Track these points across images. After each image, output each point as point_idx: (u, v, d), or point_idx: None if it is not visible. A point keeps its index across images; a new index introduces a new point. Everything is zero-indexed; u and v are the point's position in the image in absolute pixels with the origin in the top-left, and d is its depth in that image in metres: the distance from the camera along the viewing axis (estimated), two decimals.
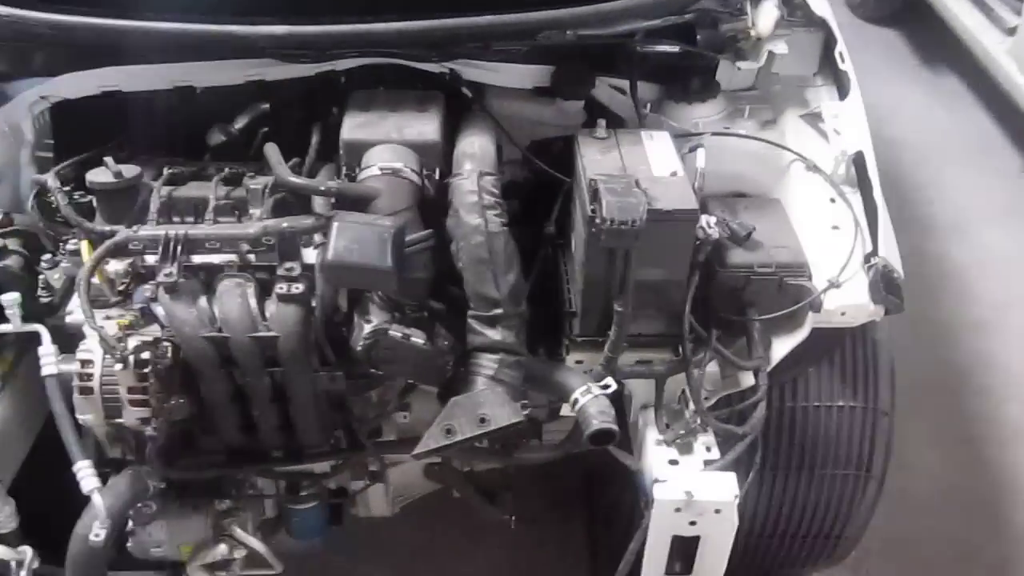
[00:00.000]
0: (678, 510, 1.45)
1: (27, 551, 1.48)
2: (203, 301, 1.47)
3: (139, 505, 1.64)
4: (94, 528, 1.42)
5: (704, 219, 1.58)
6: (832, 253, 1.62)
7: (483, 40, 1.59)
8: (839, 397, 1.73)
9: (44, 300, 1.61)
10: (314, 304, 1.48)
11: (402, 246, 1.41)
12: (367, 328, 1.46)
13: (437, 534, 2.28)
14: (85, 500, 1.48)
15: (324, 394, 1.54)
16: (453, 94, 1.75)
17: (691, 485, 1.45)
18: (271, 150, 1.57)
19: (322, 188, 1.49)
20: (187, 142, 1.80)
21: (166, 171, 1.63)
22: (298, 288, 1.45)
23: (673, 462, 1.57)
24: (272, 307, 1.46)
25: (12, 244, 1.65)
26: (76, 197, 1.61)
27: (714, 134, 1.74)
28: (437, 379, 1.52)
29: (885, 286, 1.56)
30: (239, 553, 1.71)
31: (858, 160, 1.67)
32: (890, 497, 2.50)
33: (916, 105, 4.30)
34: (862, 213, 1.66)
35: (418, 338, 1.47)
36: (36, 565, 1.49)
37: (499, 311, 1.48)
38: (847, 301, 1.56)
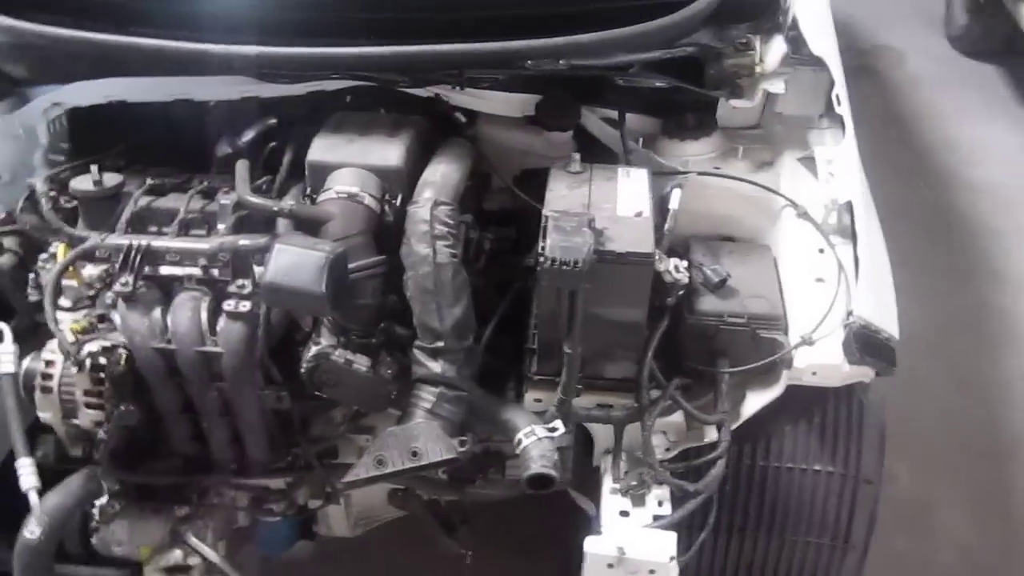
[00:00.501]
0: (610, 566, 1.39)
1: None
2: (157, 312, 1.50)
3: (103, 503, 1.70)
4: (29, 525, 1.46)
5: (673, 262, 1.52)
6: (813, 307, 1.52)
7: (456, 68, 1.57)
8: (816, 461, 1.62)
9: (33, 299, 1.67)
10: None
11: (342, 272, 1.40)
12: (312, 351, 1.47)
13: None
14: None
15: (271, 412, 1.54)
16: (446, 120, 1.74)
17: (625, 541, 1.38)
18: (240, 166, 1.59)
19: (275, 208, 1.50)
20: (196, 153, 1.85)
21: (148, 181, 1.67)
22: (246, 306, 1.46)
23: (624, 513, 1.51)
24: (221, 323, 1.48)
25: (8, 243, 1.71)
26: (63, 202, 1.67)
27: (700, 173, 1.67)
28: (379, 406, 1.51)
29: (862, 347, 1.45)
30: (194, 560, 1.73)
31: (850, 209, 1.57)
32: (909, 565, 2.36)
33: (1007, 147, 4.03)
34: (851, 266, 1.55)
35: (360, 365, 1.46)
36: None
37: (440, 344, 1.46)
38: (819, 360, 1.47)
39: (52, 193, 1.66)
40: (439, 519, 1.81)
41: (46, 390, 1.54)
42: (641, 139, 1.76)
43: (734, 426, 1.56)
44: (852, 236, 1.54)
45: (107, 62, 1.69)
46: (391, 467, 1.42)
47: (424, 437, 1.43)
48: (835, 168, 1.61)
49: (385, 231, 1.52)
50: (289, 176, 1.65)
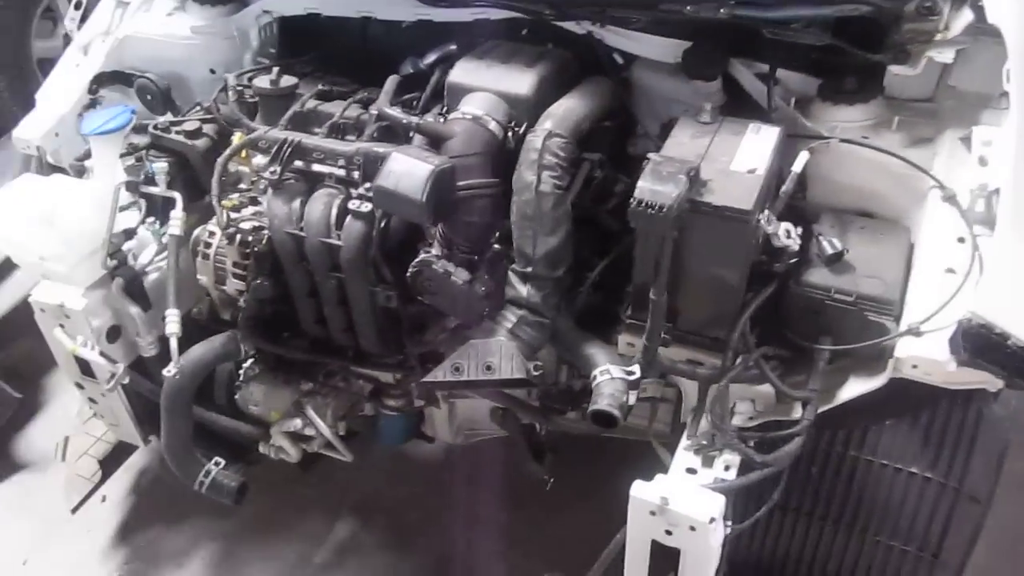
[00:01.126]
0: (652, 513, 1.39)
1: (120, 367, 1.82)
2: (298, 202, 1.67)
3: (246, 366, 1.94)
4: (170, 366, 1.71)
5: (784, 227, 1.46)
6: (936, 298, 1.40)
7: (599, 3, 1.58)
8: (914, 463, 1.50)
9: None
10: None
11: (448, 186, 1.48)
12: (418, 258, 1.57)
13: None
14: None
15: (382, 309, 1.68)
16: (599, 59, 1.76)
17: (671, 493, 1.38)
18: (389, 81, 1.72)
19: (404, 121, 1.61)
20: (383, 69, 2.00)
21: (318, 87, 1.84)
22: (367, 207, 1.59)
23: (691, 470, 1.50)
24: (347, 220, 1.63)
25: (207, 128, 1.96)
26: (247, 98, 1.88)
27: (843, 141, 1.56)
28: (473, 319, 1.58)
29: (975, 347, 1.32)
30: (310, 431, 1.93)
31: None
32: None
33: None
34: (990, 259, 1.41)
35: (458, 277, 1.55)
36: (125, 380, 1.83)
37: (530, 269, 1.51)
38: (922, 353, 1.36)
39: (239, 88, 1.87)
40: (531, 444, 1.88)
41: (205, 256, 1.78)
42: (794, 99, 1.67)
43: (825, 408, 1.48)
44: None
45: None
46: (466, 375, 1.50)
47: (500, 354, 1.49)
48: (991, 151, 1.45)
49: (507, 156, 1.58)
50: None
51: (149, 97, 2.08)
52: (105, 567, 2.31)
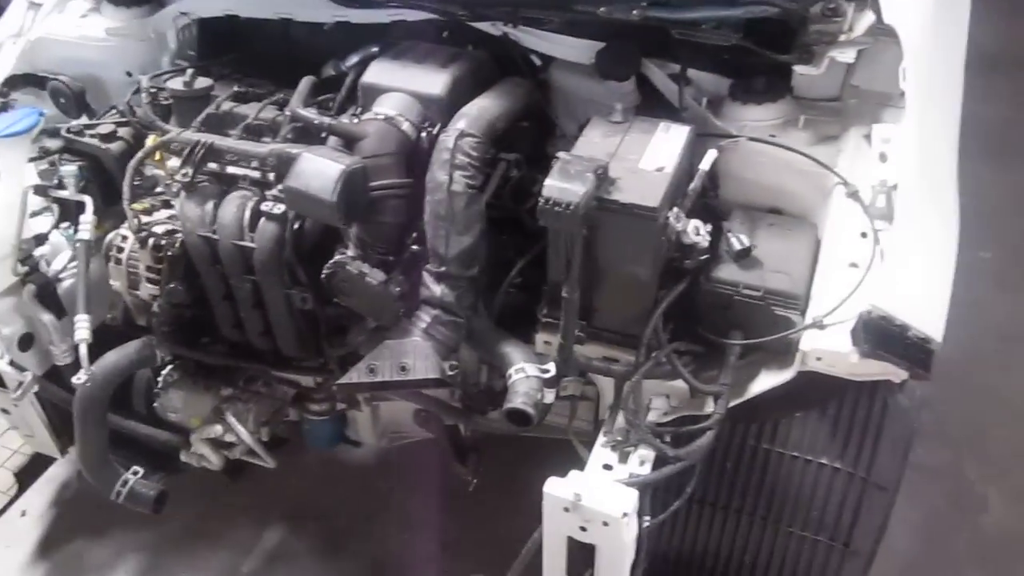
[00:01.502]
0: (566, 510, 1.40)
1: (28, 375, 1.78)
2: (211, 204, 1.65)
3: (165, 372, 1.91)
4: (80, 373, 1.67)
5: (693, 224, 1.48)
6: (840, 293, 1.43)
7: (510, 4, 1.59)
8: (823, 454, 1.53)
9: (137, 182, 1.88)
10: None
11: (360, 186, 1.48)
12: (333, 259, 1.56)
13: None
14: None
15: (299, 312, 1.66)
16: (517, 61, 1.77)
17: (583, 489, 1.38)
18: (303, 83, 1.71)
19: (316, 122, 1.60)
20: (303, 71, 1.98)
21: (234, 88, 1.82)
22: (280, 208, 1.58)
23: (607, 467, 1.51)
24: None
25: (122, 132, 1.93)
26: (162, 100, 1.85)
27: (751, 139, 1.60)
28: (388, 320, 1.57)
29: (876, 339, 1.36)
30: (232, 438, 1.90)
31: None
32: None
33: None
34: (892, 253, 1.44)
35: (372, 278, 1.54)
36: (35, 389, 1.79)
37: (444, 269, 1.51)
38: (825, 345, 1.39)
39: (153, 90, 1.84)
40: (455, 445, 1.88)
41: (118, 261, 1.74)
42: (706, 99, 1.69)
43: (736, 402, 1.51)
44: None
45: None
46: (380, 376, 1.50)
47: (415, 354, 1.49)
48: (890, 147, 1.49)
49: (420, 156, 1.58)
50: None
51: (62, 100, 2.03)
52: None
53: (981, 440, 2.54)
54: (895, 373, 1.44)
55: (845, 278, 1.45)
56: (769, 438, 1.57)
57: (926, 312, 1.43)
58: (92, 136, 1.88)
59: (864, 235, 1.48)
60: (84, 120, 1.98)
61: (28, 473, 2.23)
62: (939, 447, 2.51)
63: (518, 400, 1.48)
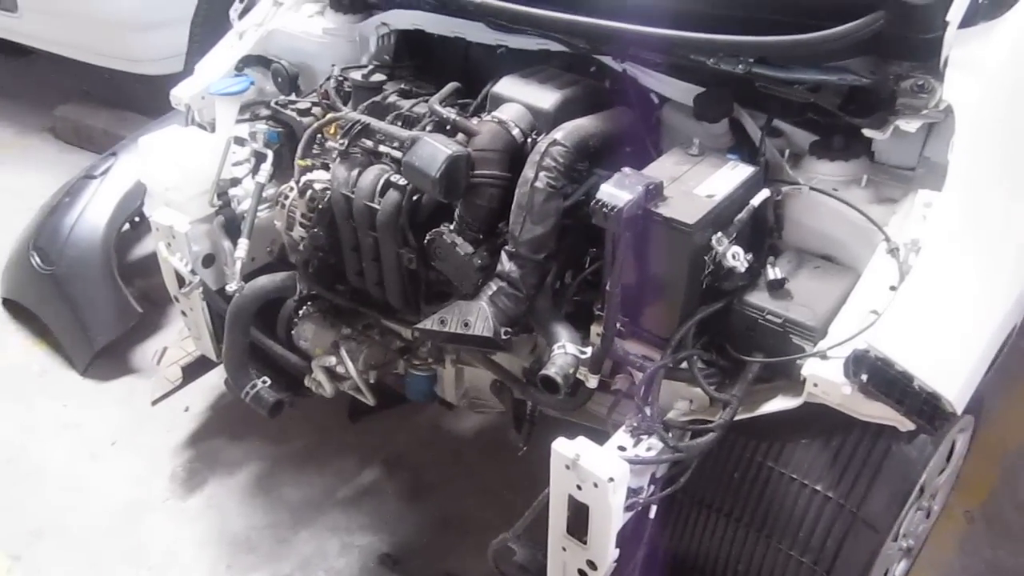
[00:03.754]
0: (567, 467, 1.62)
1: (197, 278, 2.23)
2: (356, 171, 2.03)
3: (302, 310, 2.32)
4: (232, 283, 2.10)
5: (734, 250, 1.67)
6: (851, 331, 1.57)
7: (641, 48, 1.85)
8: (818, 481, 1.65)
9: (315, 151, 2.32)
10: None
11: (462, 170, 1.80)
12: (436, 229, 1.89)
13: None
14: None
15: (406, 269, 2.00)
16: (638, 95, 2.03)
17: (583, 451, 1.60)
18: (448, 87, 2.06)
19: (444, 116, 1.94)
20: (478, 87, 2.33)
21: (401, 86, 2.21)
22: (404, 181, 1.93)
23: (621, 448, 1.71)
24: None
25: (316, 110, 2.37)
26: (346, 87, 2.28)
27: (812, 188, 1.76)
28: (468, 287, 1.87)
29: (870, 376, 1.48)
30: (342, 370, 2.27)
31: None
32: None
33: None
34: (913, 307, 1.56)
35: (462, 248, 1.85)
36: (200, 290, 2.24)
37: (515, 250, 1.79)
38: (822, 373, 1.53)
39: (340, 78, 2.27)
40: (516, 415, 2.14)
41: (282, 206, 2.17)
42: (788, 150, 1.87)
43: (745, 416, 1.67)
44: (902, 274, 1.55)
45: (434, 2, 2.22)
46: (447, 328, 1.80)
47: (476, 315, 1.78)
48: (930, 211, 1.60)
49: (523, 159, 1.87)
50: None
51: (279, 80, 2.52)
52: (172, 462, 2.75)
53: None
54: (898, 420, 1.54)
55: (862, 321, 1.58)
56: (775, 457, 1.71)
57: (942, 372, 1.53)
58: (292, 110, 2.33)
59: (893, 288, 1.60)
60: (292, 97, 2.45)
61: (192, 369, 2.71)
62: (1022, 551, 2.45)
63: (552, 369, 1.72)
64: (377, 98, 2.16)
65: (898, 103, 1.72)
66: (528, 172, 1.79)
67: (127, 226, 3.21)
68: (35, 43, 4.34)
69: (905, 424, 1.54)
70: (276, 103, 2.35)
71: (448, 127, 1.93)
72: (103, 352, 3.04)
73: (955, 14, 1.57)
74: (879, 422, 1.56)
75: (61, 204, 3.19)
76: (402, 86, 2.21)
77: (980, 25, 1.70)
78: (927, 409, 1.52)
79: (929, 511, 2.16)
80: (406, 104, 2.13)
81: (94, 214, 3.12)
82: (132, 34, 3.97)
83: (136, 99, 4.30)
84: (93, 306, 3.04)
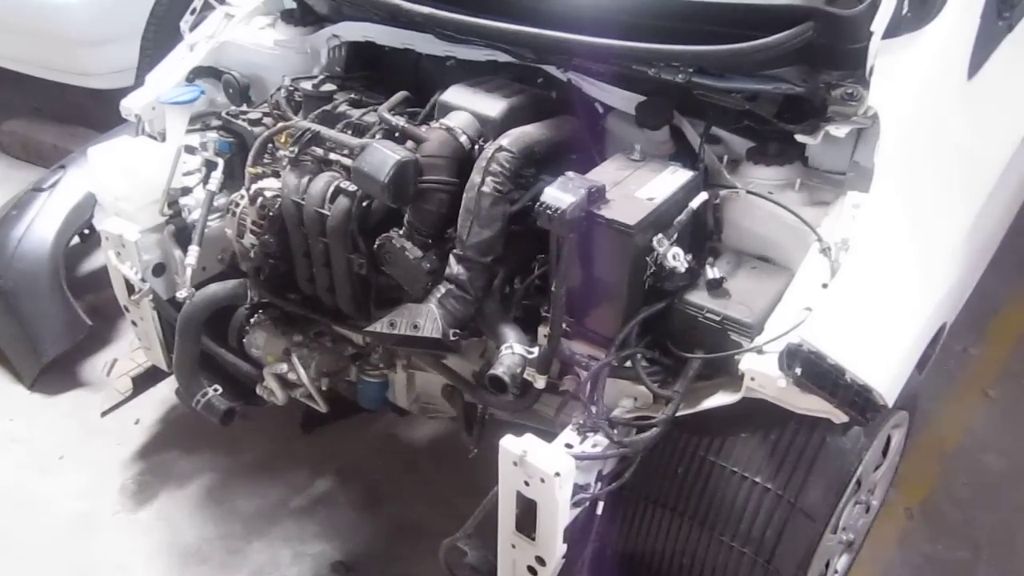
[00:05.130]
0: (515, 464, 1.65)
1: (147, 286, 2.24)
2: (306, 179, 2.05)
3: (254, 317, 2.33)
4: (182, 289, 2.11)
5: (674, 251, 1.73)
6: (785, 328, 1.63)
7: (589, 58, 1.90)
8: (757, 473, 1.70)
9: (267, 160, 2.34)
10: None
11: (410, 175, 1.84)
12: (385, 234, 1.93)
13: None
14: None
15: (356, 275, 2.02)
16: (582, 104, 2.09)
17: (529, 447, 1.64)
18: (397, 96, 2.10)
19: (393, 123, 1.97)
20: (422, 96, 2.38)
21: (351, 96, 2.24)
22: (353, 188, 1.96)
23: (568, 445, 1.75)
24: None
25: (267, 120, 2.39)
26: (297, 97, 2.30)
27: (748, 192, 1.82)
28: (417, 290, 1.90)
29: (803, 369, 1.54)
30: (293, 377, 2.28)
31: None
32: None
33: None
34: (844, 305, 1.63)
35: (411, 253, 1.88)
36: (150, 297, 2.25)
37: (463, 253, 1.83)
38: (759, 367, 1.58)
39: (291, 88, 2.30)
40: (467, 418, 2.17)
41: (233, 214, 2.19)
42: (727, 157, 1.93)
43: (687, 412, 1.72)
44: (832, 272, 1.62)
45: (385, 14, 2.25)
46: (397, 330, 1.83)
47: (425, 317, 1.82)
48: (859, 212, 1.67)
49: (470, 165, 1.91)
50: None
51: (231, 90, 2.54)
52: (122, 475, 2.72)
53: (1005, 551, 2.53)
54: (832, 412, 1.60)
55: (797, 318, 1.64)
56: (716, 451, 1.76)
57: (873, 365, 1.59)
58: (244, 120, 2.35)
59: (824, 286, 1.67)
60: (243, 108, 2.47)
61: (143, 381, 2.70)
62: (959, 546, 2.53)
63: (500, 368, 1.76)
64: (327, 107, 2.19)
65: (829, 110, 1.80)
66: (475, 177, 1.84)
67: (76, 239, 3.18)
68: None
69: (839, 416, 1.61)
70: (227, 113, 2.37)
71: (397, 134, 1.97)
72: (51, 366, 3.00)
73: (879, 25, 1.65)
74: (814, 415, 1.62)
75: (8, 217, 3.15)
76: (352, 96, 2.25)
77: (904, 36, 1.79)
78: (859, 401, 1.59)
79: (868, 506, 2.22)
80: (356, 113, 2.16)
81: (42, 226, 3.09)
82: (82, 48, 3.94)
83: (87, 114, 4.27)
84: (41, 319, 3.00)
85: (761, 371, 1.57)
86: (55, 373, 3.03)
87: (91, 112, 4.20)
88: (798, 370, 1.54)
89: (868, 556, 2.42)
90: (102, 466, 2.74)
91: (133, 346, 2.74)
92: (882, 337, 1.66)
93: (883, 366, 1.63)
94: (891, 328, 1.69)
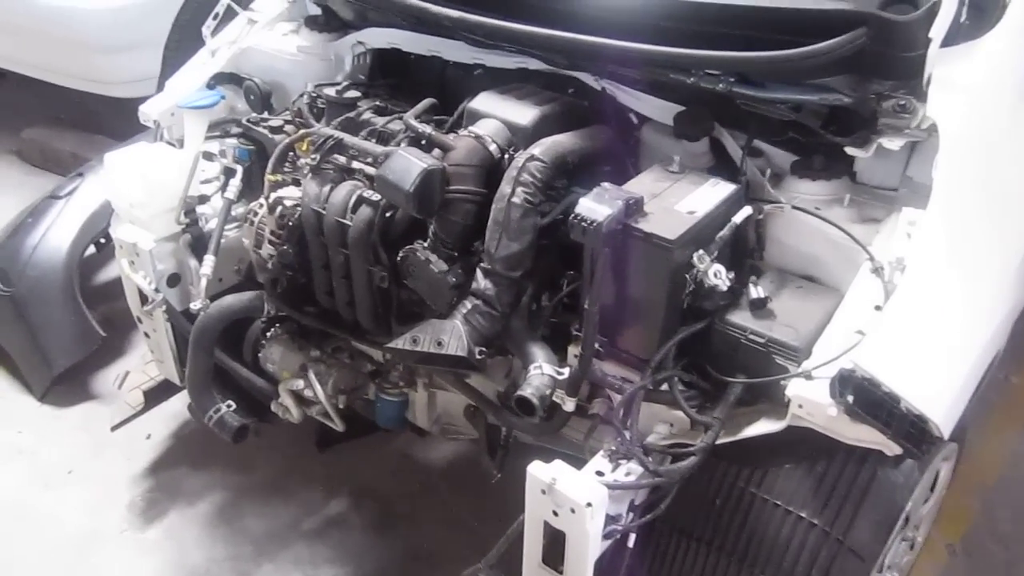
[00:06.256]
0: (543, 492, 1.55)
1: (160, 296, 2.15)
2: (328, 187, 1.97)
3: (270, 331, 2.24)
4: (196, 301, 2.03)
5: (715, 268, 1.63)
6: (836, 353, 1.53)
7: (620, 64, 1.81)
8: (802, 507, 1.59)
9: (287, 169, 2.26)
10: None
11: (436, 185, 1.75)
12: (409, 246, 1.84)
13: None
14: None
15: (377, 289, 1.93)
16: (617, 115, 2.00)
17: (559, 475, 1.54)
18: (424, 102, 2.02)
19: (419, 130, 1.89)
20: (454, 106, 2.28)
21: (376, 103, 2.17)
22: (377, 197, 1.87)
23: (599, 473, 1.65)
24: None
25: (288, 128, 2.31)
26: (319, 104, 2.23)
27: (794, 207, 1.72)
28: (441, 305, 1.81)
29: (856, 397, 1.44)
30: (309, 393, 2.19)
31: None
32: None
33: None
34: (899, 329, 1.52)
35: (436, 266, 1.79)
36: (163, 307, 2.17)
37: (491, 267, 1.74)
38: (807, 393, 1.48)
39: (313, 95, 2.23)
40: (489, 441, 2.07)
41: (251, 223, 2.11)
42: (769, 170, 1.83)
43: (727, 440, 1.61)
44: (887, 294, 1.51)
45: (411, 20, 2.17)
46: (420, 347, 1.74)
47: (449, 334, 1.72)
48: (914, 230, 1.57)
49: (500, 175, 1.82)
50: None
51: (252, 97, 2.47)
52: (130, 491, 2.64)
53: None
54: (885, 444, 1.50)
55: (848, 342, 1.53)
56: (757, 483, 1.65)
57: (929, 394, 1.49)
58: (264, 127, 2.28)
59: (878, 308, 1.56)
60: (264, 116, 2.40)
61: (155, 394, 2.61)
62: None
63: (528, 390, 1.66)
64: (351, 114, 2.11)
65: (879, 123, 1.70)
66: (505, 188, 1.75)
67: (92, 248, 3.11)
68: (3, 63, 4.26)
69: (892, 448, 1.50)
70: (248, 120, 2.30)
71: (423, 142, 1.89)
72: (62, 377, 2.92)
73: (938, 31, 1.56)
74: (865, 446, 1.52)
75: (24, 224, 3.09)
76: (377, 103, 2.17)
77: (962, 44, 1.69)
78: (914, 432, 1.48)
79: (913, 542, 2.10)
80: (380, 120, 2.08)
81: (58, 235, 3.02)
82: (103, 56, 3.90)
83: (107, 123, 4.22)
84: (53, 329, 2.93)
85: (810, 398, 1.47)
86: (66, 385, 2.96)
87: (112, 121, 4.15)
88: (850, 397, 1.44)
89: None
90: (111, 482, 2.66)
91: (146, 359, 2.66)
92: (939, 364, 1.55)
93: (939, 395, 1.52)
94: (948, 355, 1.58)
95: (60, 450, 2.76)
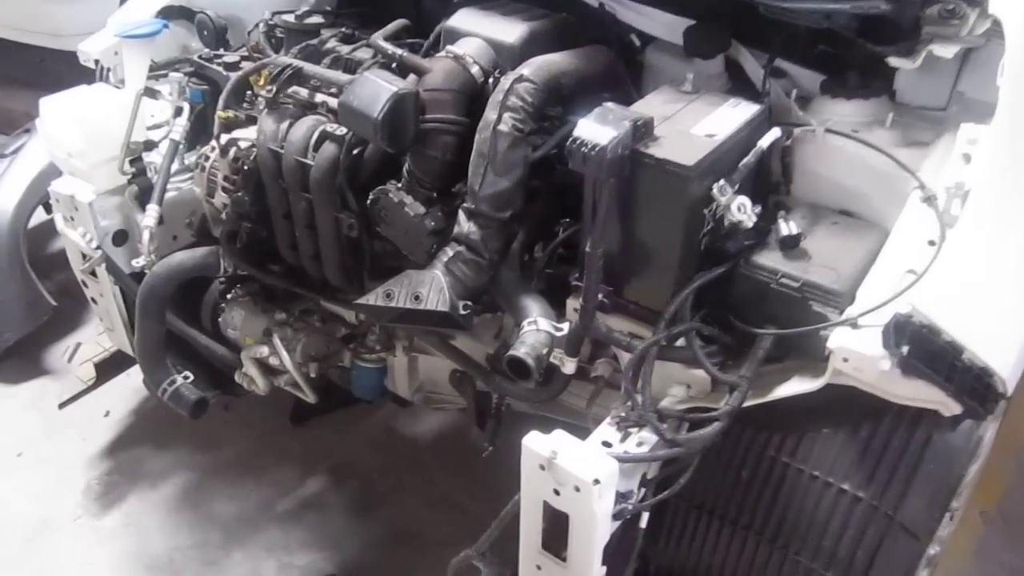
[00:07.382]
0: (542, 468, 1.32)
1: (99, 252, 1.90)
2: (286, 124, 1.72)
3: (230, 292, 2.00)
4: (140, 257, 1.78)
5: (739, 201, 1.38)
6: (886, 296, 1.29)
7: None
8: (846, 479, 1.36)
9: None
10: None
11: (411, 113, 1.50)
12: (380, 187, 1.59)
13: None
14: None
15: (346, 239, 1.69)
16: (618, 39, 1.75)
17: (561, 447, 1.30)
18: (394, 24, 1.76)
19: (388, 52, 1.64)
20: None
21: (342, 30, 1.91)
22: (342, 131, 1.62)
23: (606, 443, 1.41)
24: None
25: (244, 64, 2.05)
26: (278, 33, 1.97)
27: (827, 130, 1.48)
28: (419, 255, 1.57)
29: (913, 347, 1.20)
30: (275, 361, 1.95)
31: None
32: None
33: None
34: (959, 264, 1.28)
35: (411, 209, 1.55)
36: (103, 264, 1.91)
37: (475, 207, 1.49)
38: (854, 345, 1.24)
39: (271, 24, 1.96)
40: (479, 410, 1.83)
41: (202, 169, 1.85)
42: (795, 91, 1.59)
43: (757, 401, 1.38)
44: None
45: None
46: (394, 303, 1.49)
47: (428, 286, 1.48)
48: (976, 149, 1.33)
49: (484, 101, 1.57)
50: None
51: (205, 32, 2.20)
52: (86, 474, 2.41)
53: None
54: (943, 403, 1.27)
55: (898, 283, 1.30)
56: (791, 451, 1.42)
57: (995, 344, 1.26)
58: (219, 64, 2.01)
59: (932, 243, 1.32)
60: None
61: (107, 367, 2.37)
62: None
63: (522, 349, 1.43)
64: (313, 42, 1.85)
65: (923, 32, 1.45)
66: (490, 114, 1.50)
67: (41, 210, 2.84)
68: None
69: (950, 407, 1.27)
70: (200, 57, 2.04)
71: (394, 65, 1.63)
72: (11, 351, 2.70)
73: None
74: (918, 405, 1.28)
75: None
76: (343, 31, 1.91)
77: None
78: (978, 388, 1.25)
79: (953, 513, 1.88)
80: (346, 48, 1.83)
81: (2, 197, 2.76)
82: (55, 6, 3.61)
83: (65, 83, 3.92)
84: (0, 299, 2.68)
85: (857, 350, 1.23)
86: (16, 359, 2.74)
87: (70, 81, 3.86)
88: (905, 348, 1.20)
89: (941, 568, 2.09)
90: (64, 465, 2.44)
91: (99, 329, 2.41)
92: (1004, 309, 1.32)
93: (1006, 345, 1.29)
94: (1014, 298, 1.34)
95: (8, 431, 2.54)
